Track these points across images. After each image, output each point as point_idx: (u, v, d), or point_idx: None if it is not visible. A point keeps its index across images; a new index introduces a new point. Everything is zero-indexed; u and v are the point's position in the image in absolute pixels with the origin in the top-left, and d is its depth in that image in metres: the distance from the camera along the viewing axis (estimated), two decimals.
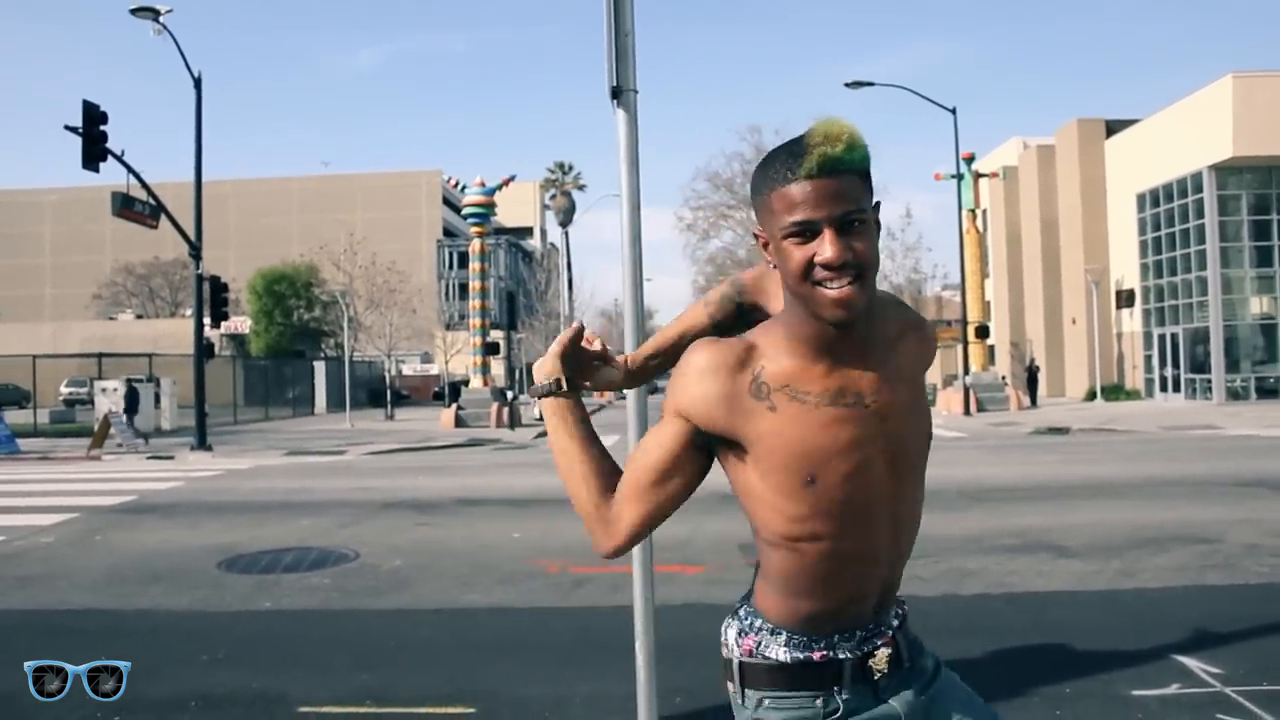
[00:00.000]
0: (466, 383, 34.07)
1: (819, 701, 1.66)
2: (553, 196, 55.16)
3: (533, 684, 4.94)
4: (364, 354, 44.40)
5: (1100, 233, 37.07)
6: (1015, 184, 42.54)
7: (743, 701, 1.72)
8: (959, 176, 32.52)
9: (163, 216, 21.14)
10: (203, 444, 21.17)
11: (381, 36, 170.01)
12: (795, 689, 1.67)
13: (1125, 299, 35.32)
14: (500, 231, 75.15)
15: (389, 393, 37.75)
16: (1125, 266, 35.69)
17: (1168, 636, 5.37)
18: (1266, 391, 30.76)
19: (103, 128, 18.97)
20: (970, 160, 33.20)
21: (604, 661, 5.10)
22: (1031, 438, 21.71)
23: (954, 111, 30.75)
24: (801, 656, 1.67)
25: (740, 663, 1.71)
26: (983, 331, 32.74)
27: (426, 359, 61.86)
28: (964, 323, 32.11)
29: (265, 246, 70.06)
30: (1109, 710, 4.40)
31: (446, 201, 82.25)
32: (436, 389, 51.74)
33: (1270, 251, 30.86)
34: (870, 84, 31.84)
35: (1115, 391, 35.04)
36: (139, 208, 20.93)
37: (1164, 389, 33.31)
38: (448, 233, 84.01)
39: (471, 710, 4.62)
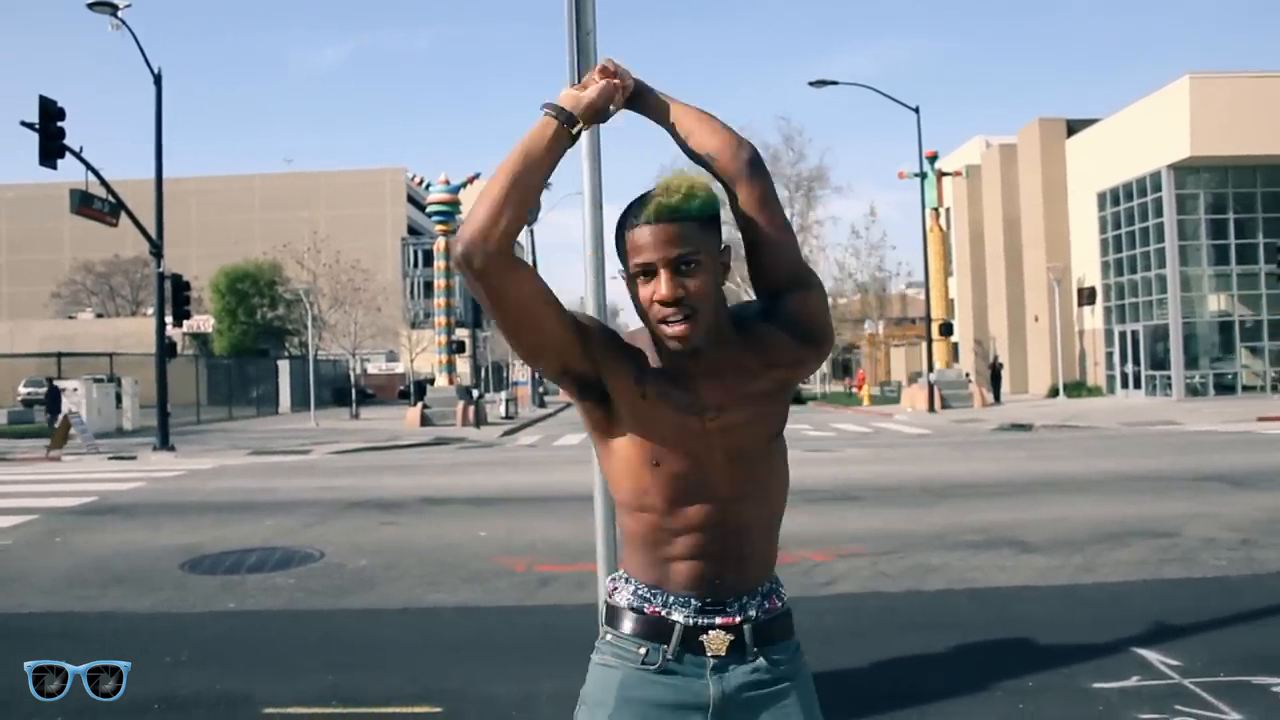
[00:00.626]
0: (432, 381, 33.87)
1: (642, 650, 1.89)
2: None
3: (499, 682, 4.94)
4: (328, 353, 44.12)
5: (1062, 231, 37.49)
6: (978, 182, 42.96)
7: (600, 636, 1.98)
8: (922, 175, 32.73)
9: (123, 214, 20.86)
10: (165, 444, 20.93)
11: (346, 33, 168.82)
12: (630, 634, 1.91)
13: (1086, 296, 35.73)
14: None
15: (354, 391, 37.48)
16: (1086, 264, 36.11)
17: (1128, 630, 5.45)
18: (1224, 387, 31.28)
19: (60, 124, 18.68)
20: (933, 159, 33.44)
21: (570, 659, 5.05)
22: (995, 434, 21.92)
23: (917, 110, 30.99)
24: (638, 605, 1.91)
25: (605, 603, 1.98)
26: (946, 329, 32.99)
27: (392, 357, 61.54)
28: (928, 320, 32.32)
29: (228, 244, 69.40)
30: (1070, 703, 4.46)
31: (411, 199, 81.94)
32: (402, 387, 51.50)
33: (1227, 250, 31.35)
34: (834, 83, 32.04)
35: (1077, 388, 35.46)
36: (98, 205, 20.63)
37: (1125, 385, 33.74)
38: (412, 230, 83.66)
39: (438, 710, 4.61)
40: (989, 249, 42.32)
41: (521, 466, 16.99)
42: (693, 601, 1.87)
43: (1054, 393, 35.19)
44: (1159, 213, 31.44)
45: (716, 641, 1.87)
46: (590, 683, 1.97)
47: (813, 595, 6.51)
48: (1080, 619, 5.93)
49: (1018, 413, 27.52)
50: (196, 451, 20.77)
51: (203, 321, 50.01)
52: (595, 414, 1.88)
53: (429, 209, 31.30)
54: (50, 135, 18.51)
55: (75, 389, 26.49)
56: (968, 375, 35.73)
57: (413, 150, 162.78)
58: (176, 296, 22.44)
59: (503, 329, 1.79)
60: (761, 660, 1.89)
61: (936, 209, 33.41)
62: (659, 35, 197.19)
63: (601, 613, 2.00)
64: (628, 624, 1.91)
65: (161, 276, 21.86)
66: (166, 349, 22.11)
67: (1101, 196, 34.90)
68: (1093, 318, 36.05)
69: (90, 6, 20.43)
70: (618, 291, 46.37)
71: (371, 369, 58.04)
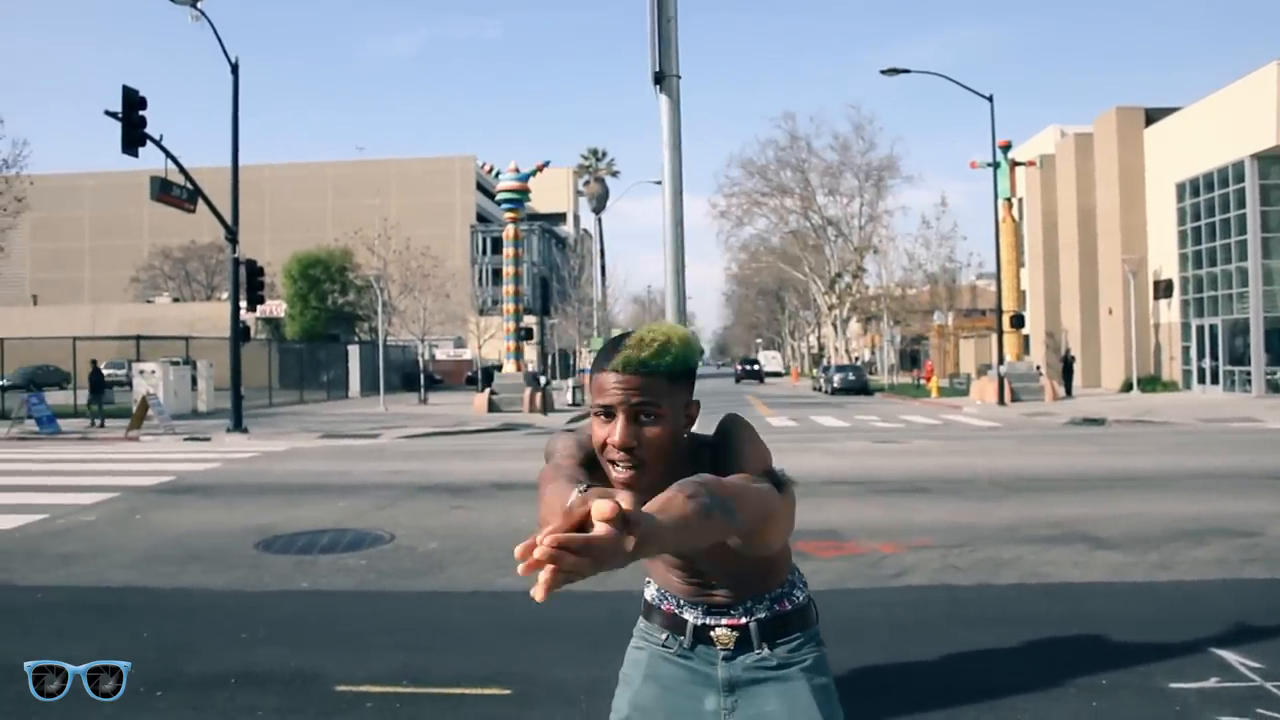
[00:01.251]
0: (499, 367, 34.14)
1: (664, 637, 2.16)
2: (586, 183, 55.26)
3: (568, 666, 4.98)
4: (398, 338, 44.62)
5: (1138, 222, 36.61)
6: (1052, 173, 42.08)
7: (638, 624, 2.26)
8: (995, 165, 32.19)
9: (199, 201, 21.34)
10: (239, 426, 21.40)
11: (418, 21, 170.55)
12: (655, 624, 2.18)
13: (1163, 289, 34.90)
14: (533, 217, 75.24)
15: (422, 377, 37.97)
16: (1163, 256, 35.24)
17: (1206, 629, 5.33)
18: None
19: (142, 113, 19.18)
20: (1007, 148, 32.87)
21: None
22: (1067, 428, 21.53)
23: (991, 99, 30.46)
24: (658, 602, 2.19)
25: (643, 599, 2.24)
26: (1018, 321, 32.44)
27: (460, 344, 62.09)
28: (999, 312, 31.81)
29: (300, 230, 70.62)
30: (1146, 702, 4.38)
31: (480, 187, 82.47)
32: (470, 373, 51.94)
33: None
34: (906, 71, 31.64)
35: (1152, 383, 34.66)
36: (177, 192, 21.11)
37: (1201, 381, 32.90)
38: (481, 218, 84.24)
39: (508, 692, 4.66)
40: (1062, 240, 41.45)
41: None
42: (699, 605, 2.10)
43: (1127, 387, 34.45)
44: (1241, 204, 30.53)
45: (724, 638, 2.08)
46: (626, 663, 2.24)
47: (882, 586, 6.46)
48: (1157, 617, 5.81)
49: (1090, 407, 27.00)
50: (269, 434, 21.19)
51: (275, 306, 50.85)
52: None
53: (498, 196, 31.48)
54: (133, 124, 18.99)
55: (153, 371, 27.17)
56: (1039, 368, 35.10)
57: (483, 138, 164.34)
58: (250, 282, 22.86)
59: None
60: (769, 650, 2.07)
61: (1009, 199, 32.84)
62: (731, 24, 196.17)
63: (642, 603, 2.27)
64: (653, 616, 2.20)
65: (236, 262, 22.31)
66: (240, 333, 22.56)
67: (1180, 187, 34.00)
68: (1169, 311, 35.18)
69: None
70: (696, 279, 46.10)
71: (440, 355, 58.66)
